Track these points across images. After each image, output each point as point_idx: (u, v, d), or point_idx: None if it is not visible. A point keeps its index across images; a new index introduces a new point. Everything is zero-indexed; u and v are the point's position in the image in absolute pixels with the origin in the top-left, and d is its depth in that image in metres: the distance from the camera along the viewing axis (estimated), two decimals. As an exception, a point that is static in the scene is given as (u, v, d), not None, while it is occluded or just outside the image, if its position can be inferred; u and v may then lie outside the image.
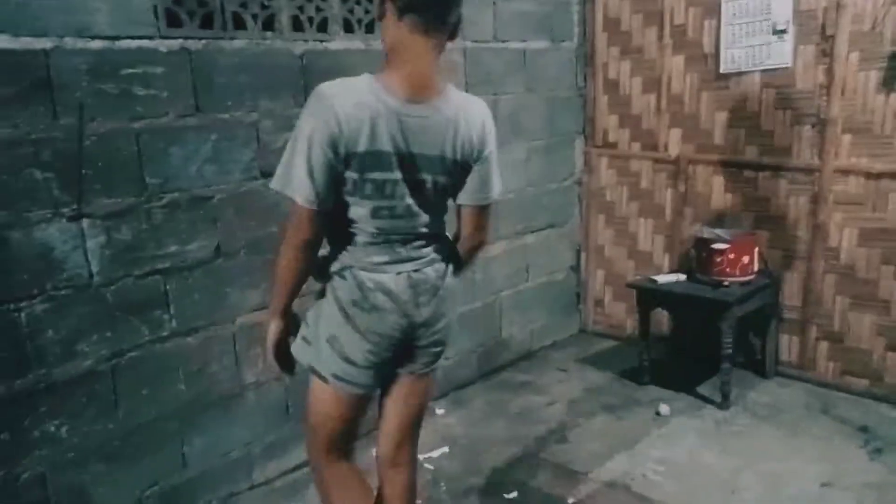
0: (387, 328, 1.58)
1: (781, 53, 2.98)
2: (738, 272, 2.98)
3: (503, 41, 3.21)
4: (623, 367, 3.39)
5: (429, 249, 1.62)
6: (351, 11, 2.57)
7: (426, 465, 2.57)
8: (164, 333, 2.20)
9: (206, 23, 2.18)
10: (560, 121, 3.60)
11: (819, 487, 2.38)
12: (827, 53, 2.87)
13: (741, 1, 3.04)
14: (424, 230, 1.60)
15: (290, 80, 2.42)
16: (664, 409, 2.97)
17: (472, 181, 1.62)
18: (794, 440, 2.70)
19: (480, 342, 3.36)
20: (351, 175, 1.48)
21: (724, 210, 3.29)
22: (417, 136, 1.50)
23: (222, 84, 2.24)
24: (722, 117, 3.23)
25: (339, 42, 2.54)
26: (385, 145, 1.47)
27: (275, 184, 1.50)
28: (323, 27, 2.49)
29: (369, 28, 2.63)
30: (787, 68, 2.98)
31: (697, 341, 3.43)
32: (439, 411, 3.05)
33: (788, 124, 3.03)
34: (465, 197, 1.65)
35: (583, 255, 3.86)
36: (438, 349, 1.73)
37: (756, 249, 3.04)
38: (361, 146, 1.45)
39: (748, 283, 3.00)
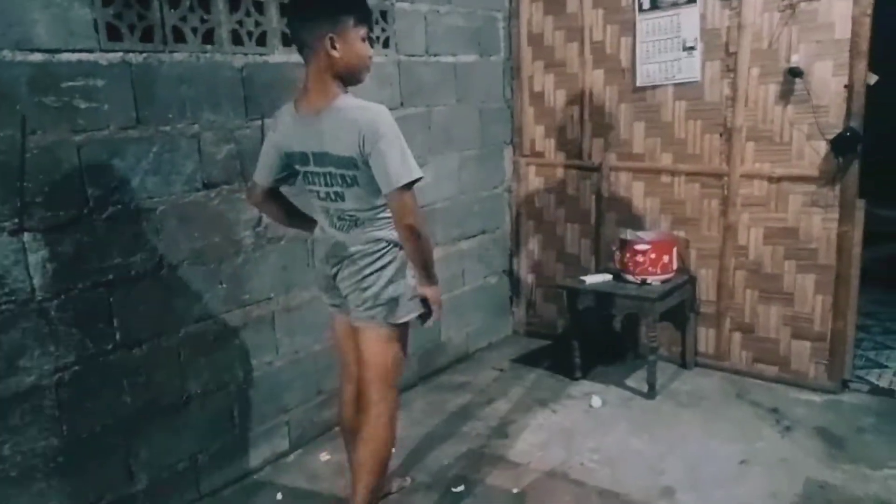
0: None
1: (691, 68, 3.24)
2: (659, 271, 3.21)
3: (435, 55, 3.34)
4: (556, 364, 3.56)
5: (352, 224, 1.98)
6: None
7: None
8: (109, 346, 2.18)
9: (147, 36, 2.19)
10: (490, 131, 3.76)
11: (738, 465, 2.60)
12: (731, 69, 3.14)
13: (654, 20, 3.29)
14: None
15: (231, 92, 2.46)
16: (596, 401, 3.15)
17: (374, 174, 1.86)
18: (713, 424, 2.93)
19: (420, 346, 3.45)
20: None
21: (644, 213, 3.53)
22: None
23: (163, 97, 2.25)
24: (640, 127, 3.46)
25: (278, 55, 2.59)
26: None
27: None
28: (262, 41, 2.54)
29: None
30: (696, 82, 3.24)
31: (624, 337, 3.66)
32: (382, 415, 3.12)
33: (699, 133, 3.28)
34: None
35: (515, 260, 4.03)
36: (355, 303, 2.01)
37: (674, 249, 3.27)
38: None
39: (668, 280, 3.23)
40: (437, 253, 3.44)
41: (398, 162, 1.82)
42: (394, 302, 1.99)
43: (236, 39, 2.46)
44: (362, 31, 1.87)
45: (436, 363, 3.57)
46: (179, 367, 2.39)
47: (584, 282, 3.37)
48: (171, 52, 2.26)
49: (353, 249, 1.97)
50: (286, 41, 2.61)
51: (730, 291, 3.32)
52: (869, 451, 2.64)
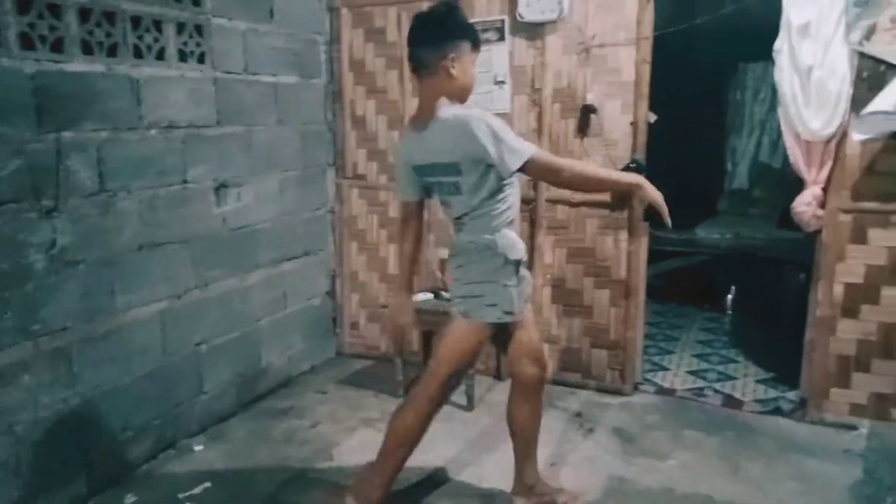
0: None
1: (502, 100, 3.49)
2: (476, 289, 3.39)
3: (254, 74, 3.27)
4: (380, 383, 3.60)
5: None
6: (90, 33, 2.44)
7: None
8: None
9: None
10: (312, 153, 3.74)
11: (549, 467, 2.80)
12: (537, 103, 3.43)
13: (468, 53, 3.50)
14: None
15: (20, 100, 2.22)
16: (419, 417, 3.23)
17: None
18: (526, 431, 3.13)
19: (240, 372, 3.32)
20: None
21: (462, 235, 3.71)
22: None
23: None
24: (457, 153, 3.65)
25: (78, 64, 2.39)
26: None
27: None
28: (58, 47, 2.33)
29: (111, 51, 2.53)
30: (507, 113, 3.48)
31: (445, 354, 3.79)
32: (197, 447, 2.95)
33: (510, 161, 3.54)
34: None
35: (338, 281, 4.02)
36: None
37: (489, 269, 3.48)
38: None
39: (484, 298, 3.42)
40: (258, 276, 3.37)
41: (509, 150, 2.02)
42: (475, 301, 2.18)
43: (26, 44, 2.23)
44: (475, 55, 2.14)
45: (257, 389, 3.45)
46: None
47: (406, 301, 3.45)
48: (-55, 52, 2.01)
49: (461, 248, 2.22)
50: (87, 49, 2.42)
51: (538, 306, 3.59)
52: (656, 445, 2.99)
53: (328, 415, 3.29)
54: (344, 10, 3.74)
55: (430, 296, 3.49)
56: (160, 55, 2.76)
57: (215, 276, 3.12)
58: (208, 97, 3.01)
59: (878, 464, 2.47)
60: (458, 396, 3.42)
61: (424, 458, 2.86)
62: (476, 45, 2.14)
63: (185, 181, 2.92)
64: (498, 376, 3.68)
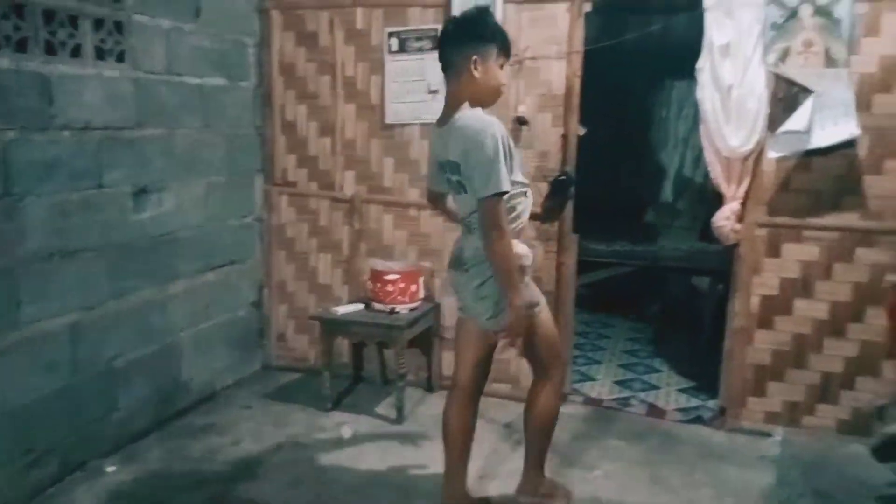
0: None
1: (435, 110, 3.44)
2: (407, 299, 3.36)
3: (178, 74, 3.14)
4: (307, 397, 3.51)
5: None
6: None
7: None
8: None
9: None
10: (240, 158, 3.63)
11: (478, 480, 2.79)
12: (469, 114, 3.43)
13: (401, 62, 3.48)
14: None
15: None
16: (346, 431, 3.17)
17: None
18: (456, 443, 3.11)
19: (158, 388, 3.16)
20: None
21: (394, 245, 3.67)
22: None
23: None
24: (390, 162, 3.62)
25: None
26: None
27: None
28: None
29: (20, 46, 2.38)
30: (439, 123, 3.48)
31: (375, 365, 3.74)
32: (110, 469, 2.79)
33: (442, 171, 3.53)
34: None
35: (265, 291, 3.91)
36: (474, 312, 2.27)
37: (421, 279, 3.45)
38: None
39: (416, 308, 3.39)
40: (180, 286, 3.23)
41: (486, 174, 2.00)
42: (484, 304, 2.19)
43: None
44: (502, 60, 2.16)
45: (176, 405, 3.29)
46: None
47: (336, 312, 3.39)
48: None
49: (466, 256, 2.21)
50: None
51: (470, 318, 3.59)
52: (583, 456, 3.02)
53: (252, 431, 3.18)
54: (274, 13, 3.65)
55: (360, 306, 3.43)
56: (76, 52, 2.61)
57: (133, 286, 2.97)
58: (127, 98, 2.87)
59: (790, 469, 2.57)
60: (388, 409, 3.37)
61: (351, 474, 2.80)
62: (505, 50, 2.17)
63: (100, 185, 2.77)
64: (429, 387, 3.65)
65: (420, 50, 3.43)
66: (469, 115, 2.11)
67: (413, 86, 3.48)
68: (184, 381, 3.34)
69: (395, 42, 3.46)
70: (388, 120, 3.56)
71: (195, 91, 3.26)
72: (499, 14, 3.22)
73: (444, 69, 2.18)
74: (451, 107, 2.17)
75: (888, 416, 2.58)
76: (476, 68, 2.11)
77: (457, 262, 2.28)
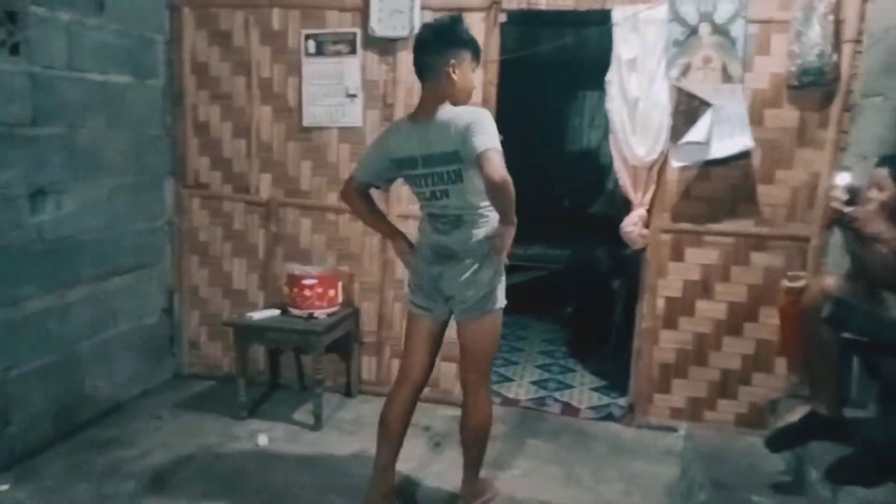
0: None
1: (354, 114, 3.46)
2: (325, 304, 3.32)
3: (80, 70, 2.99)
4: (221, 405, 3.41)
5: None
6: None
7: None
8: None
9: None
10: (148, 159, 3.49)
11: (397, 484, 2.78)
12: (388, 118, 3.43)
13: (319, 65, 3.44)
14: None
15: None
16: (262, 439, 3.10)
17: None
18: (373, 450, 3.09)
19: (57, 400, 2.99)
20: None
21: (311, 249, 3.62)
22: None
23: None
24: (307, 166, 3.57)
25: None
26: None
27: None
28: None
29: None
30: (358, 127, 3.47)
31: (293, 371, 3.68)
32: (2, 487, 2.62)
33: (360, 175, 3.51)
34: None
35: (176, 297, 3.77)
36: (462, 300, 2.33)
37: (340, 283, 3.42)
38: None
39: (334, 313, 3.36)
40: (81, 292, 3.08)
41: (487, 137, 2.11)
42: (496, 290, 2.34)
43: None
44: (474, 64, 2.32)
45: (78, 418, 3.12)
46: None
47: (251, 318, 3.31)
48: None
49: (457, 249, 2.28)
50: None
51: (389, 322, 3.59)
52: (501, 456, 3.07)
53: (161, 443, 3.05)
54: (186, 10, 3.53)
55: (276, 312, 3.36)
56: (-37, 43, 2.45)
57: (27, 293, 2.80)
58: (22, 93, 2.71)
59: (692, 462, 2.70)
60: (306, 416, 3.32)
61: (266, 483, 2.74)
62: (477, 56, 2.33)
63: (-9, 186, 2.60)
64: (348, 393, 3.62)
65: (338, 53, 3.41)
66: (458, 109, 2.25)
67: (331, 89, 3.45)
68: (86, 393, 3.17)
69: (312, 44, 3.43)
70: (306, 123, 3.51)
71: (99, 88, 3.11)
72: (415, 21, 3.25)
73: (421, 72, 2.29)
74: (428, 106, 2.27)
75: (780, 409, 2.77)
76: (454, 72, 2.25)
77: (446, 256, 2.31)
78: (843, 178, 2.03)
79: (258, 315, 3.33)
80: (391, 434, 2.48)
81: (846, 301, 1.81)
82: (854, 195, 1.99)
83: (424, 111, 2.29)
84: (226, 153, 3.64)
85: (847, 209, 2.01)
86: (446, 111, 2.24)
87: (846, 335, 1.90)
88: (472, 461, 2.53)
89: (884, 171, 2.18)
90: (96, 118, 3.11)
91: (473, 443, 2.49)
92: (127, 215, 3.36)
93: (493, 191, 2.10)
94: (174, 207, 3.70)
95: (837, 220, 2.05)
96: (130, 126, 3.34)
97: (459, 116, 2.19)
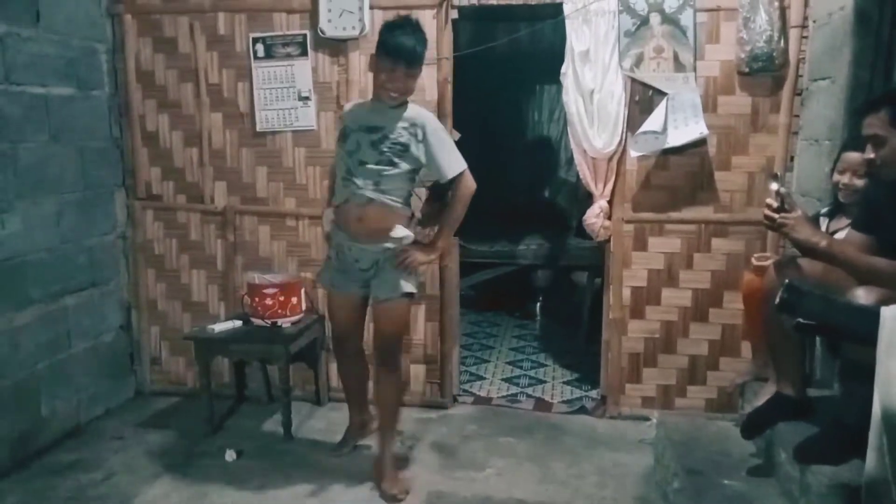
0: None
1: (307, 117, 3.39)
2: (288, 312, 3.25)
3: (18, 84, 2.88)
4: (187, 422, 3.32)
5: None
6: None
7: None
8: None
9: None
10: (96, 173, 3.38)
11: (369, 491, 2.74)
12: (343, 120, 3.38)
13: (269, 68, 3.37)
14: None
15: None
16: (230, 454, 3.01)
17: None
18: (345, 457, 3.04)
19: (13, 426, 2.88)
20: None
21: (272, 256, 3.55)
22: None
23: None
24: (262, 172, 3.49)
25: None
26: None
27: (457, 168, 2.55)
28: None
29: None
30: (313, 130, 3.40)
31: (259, 383, 3.60)
32: (-41, 522, 2.51)
33: (319, 179, 3.44)
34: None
35: (133, 313, 3.66)
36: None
37: (302, 290, 3.35)
38: None
39: (298, 321, 3.29)
40: (32, 313, 2.97)
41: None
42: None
43: None
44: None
45: (36, 443, 3.01)
46: None
47: (212, 330, 3.22)
48: None
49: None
50: None
51: (355, 327, 3.53)
52: (474, 455, 3.05)
53: (124, 464, 2.96)
54: (128, 17, 3.42)
55: (238, 323, 3.28)
56: None
57: (-26, 317, 2.68)
58: (-43, 110, 2.60)
59: (665, 451, 2.71)
60: (275, 426, 3.25)
61: (236, 498, 2.68)
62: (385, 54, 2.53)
63: (-73, 208, 2.48)
64: (318, 401, 3.55)
65: (288, 56, 3.34)
66: (421, 109, 2.58)
67: (283, 92, 3.38)
68: (44, 416, 3.06)
69: (261, 48, 3.35)
70: (259, 128, 3.43)
71: (39, 101, 3.00)
72: (365, 20, 3.20)
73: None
74: (395, 96, 2.49)
75: (748, 393, 2.79)
76: (419, 74, 2.55)
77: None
78: (773, 185, 2.09)
79: (220, 327, 3.24)
80: (391, 403, 2.81)
81: (797, 285, 1.81)
82: (783, 202, 2.04)
83: (389, 99, 2.52)
84: (177, 162, 3.54)
85: (777, 216, 2.05)
86: (412, 108, 2.55)
87: (799, 320, 1.92)
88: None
89: (855, 154, 2.26)
90: (39, 133, 3.00)
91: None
92: (77, 231, 3.25)
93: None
94: (126, 221, 3.59)
95: (768, 226, 2.11)
96: (76, 139, 3.23)
97: (423, 118, 2.53)
